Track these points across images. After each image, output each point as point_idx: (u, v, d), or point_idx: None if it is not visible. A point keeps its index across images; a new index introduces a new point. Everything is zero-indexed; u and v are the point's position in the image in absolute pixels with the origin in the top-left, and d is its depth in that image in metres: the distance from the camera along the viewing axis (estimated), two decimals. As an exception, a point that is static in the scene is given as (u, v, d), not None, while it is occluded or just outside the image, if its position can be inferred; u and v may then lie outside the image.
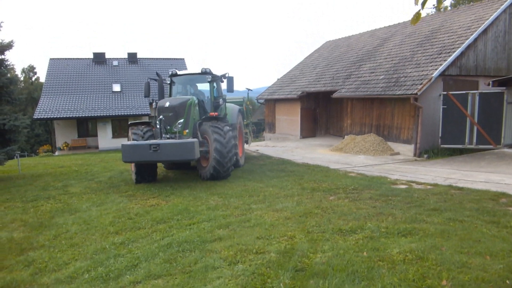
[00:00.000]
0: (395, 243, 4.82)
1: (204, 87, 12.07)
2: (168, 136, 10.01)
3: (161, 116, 10.05)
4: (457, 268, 4.02)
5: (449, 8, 32.98)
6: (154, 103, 11.38)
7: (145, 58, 35.64)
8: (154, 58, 35.85)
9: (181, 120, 10.18)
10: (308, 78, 23.58)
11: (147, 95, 11.36)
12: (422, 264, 4.15)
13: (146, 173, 10.29)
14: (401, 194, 7.80)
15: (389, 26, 22.76)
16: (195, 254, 4.85)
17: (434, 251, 4.48)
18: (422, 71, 14.91)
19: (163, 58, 35.81)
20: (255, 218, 6.30)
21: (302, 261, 4.36)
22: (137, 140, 9.85)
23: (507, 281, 3.67)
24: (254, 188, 8.91)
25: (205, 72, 11.31)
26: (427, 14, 23.38)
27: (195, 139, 9.42)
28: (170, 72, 11.63)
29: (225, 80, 11.56)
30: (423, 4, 3.12)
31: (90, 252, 5.28)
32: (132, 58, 35.00)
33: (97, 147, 28.86)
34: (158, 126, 10.16)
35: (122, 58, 34.95)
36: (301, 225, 5.79)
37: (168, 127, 10.20)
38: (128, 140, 10.57)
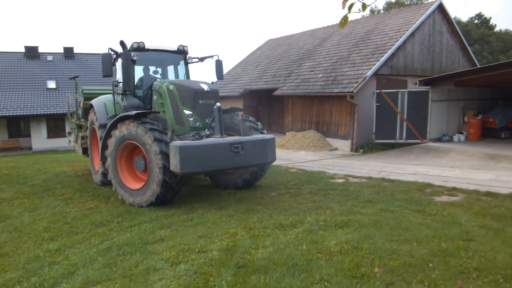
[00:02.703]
0: (333, 235, 5.05)
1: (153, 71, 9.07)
2: (208, 133, 7.20)
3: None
4: (388, 255, 4.29)
5: (382, 11, 34.98)
6: (119, 88, 8.00)
7: (82, 53, 33.83)
8: (93, 53, 34.02)
9: None
10: (250, 75, 23.81)
11: (108, 73, 7.53)
12: (357, 253, 4.38)
13: (177, 187, 7.06)
14: (338, 188, 8.19)
15: (328, 26, 23.64)
16: (136, 257, 4.75)
17: (368, 240, 4.75)
18: (358, 70, 15.70)
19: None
20: (197, 217, 6.29)
21: (244, 258, 4.44)
22: (161, 139, 6.68)
23: (430, 264, 4.03)
24: (196, 186, 8.87)
25: (183, 51, 8.60)
26: (362, 16, 24.65)
27: (272, 135, 7.38)
28: (135, 45, 8.01)
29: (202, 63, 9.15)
30: (349, 8, 3.36)
31: (22, 262, 4.95)
32: (69, 53, 33.06)
33: (30, 148, 27.00)
34: (191, 118, 7.29)
35: (57, 53, 32.90)
36: (243, 222, 5.87)
37: (207, 120, 7.37)
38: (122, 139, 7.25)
